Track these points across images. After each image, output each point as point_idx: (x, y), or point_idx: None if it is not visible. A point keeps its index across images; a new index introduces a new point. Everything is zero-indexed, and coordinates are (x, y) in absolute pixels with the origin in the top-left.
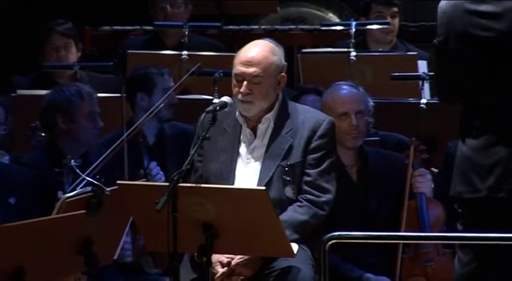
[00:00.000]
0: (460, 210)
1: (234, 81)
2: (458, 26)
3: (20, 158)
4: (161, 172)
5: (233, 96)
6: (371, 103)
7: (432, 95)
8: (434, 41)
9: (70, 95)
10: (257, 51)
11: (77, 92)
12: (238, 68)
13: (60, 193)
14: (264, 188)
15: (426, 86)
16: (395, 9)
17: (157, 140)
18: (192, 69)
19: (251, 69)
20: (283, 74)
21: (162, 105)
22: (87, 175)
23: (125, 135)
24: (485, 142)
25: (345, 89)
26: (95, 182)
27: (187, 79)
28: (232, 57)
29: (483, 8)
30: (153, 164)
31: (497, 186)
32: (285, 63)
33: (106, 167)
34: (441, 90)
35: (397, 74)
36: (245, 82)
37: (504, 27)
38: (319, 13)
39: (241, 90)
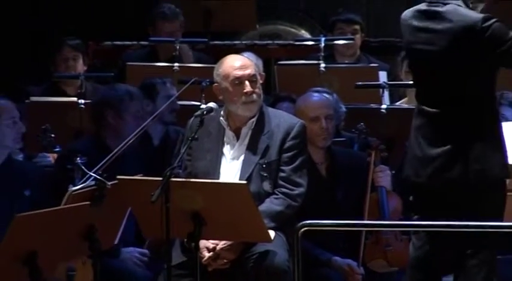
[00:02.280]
0: (411, 198)
1: (230, 88)
2: (408, 36)
3: (70, 145)
4: None
5: (228, 102)
6: (342, 108)
7: (391, 101)
8: None
9: (122, 94)
10: (242, 58)
11: (128, 92)
12: (235, 73)
13: (71, 186)
14: (245, 182)
15: (386, 93)
16: (356, 26)
17: (162, 142)
18: (191, 81)
19: (248, 71)
20: (262, 73)
21: (164, 110)
22: (94, 172)
23: (132, 136)
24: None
25: (315, 96)
26: (99, 177)
27: (180, 88)
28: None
29: (427, 24)
30: None
31: (435, 174)
32: (262, 71)
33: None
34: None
35: (360, 83)
36: (246, 82)
37: (444, 40)
38: (292, 30)
39: (246, 90)
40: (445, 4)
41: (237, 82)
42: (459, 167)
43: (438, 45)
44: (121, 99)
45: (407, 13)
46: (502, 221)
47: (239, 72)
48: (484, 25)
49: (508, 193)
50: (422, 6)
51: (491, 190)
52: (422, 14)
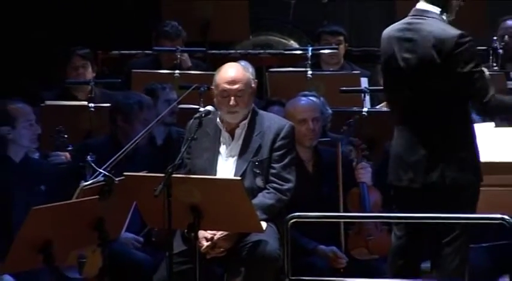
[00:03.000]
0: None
1: (219, 97)
2: (388, 49)
3: (88, 142)
4: None
5: (217, 108)
6: (329, 111)
7: (372, 105)
8: None
9: (133, 102)
10: (235, 71)
11: (139, 101)
12: (223, 86)
13: (82, 181)
14: (239, 178)
15: (367, 97)
16: (340, 37)
17: (164, 142)
18: (192, 87)
19: (235, 86)
20: (254, 86)
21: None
22: (104, 169)
23: (138, 137)
24: (409, 143)
25: (303, 100)
26: (107, 174)
27: (181, 93)
28: (214, 75)
29: (407, 35)
30: None
31: (415, 179)
32: (254, 77)
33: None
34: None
35: (344, 88)
36: (232, 97)
37: (421, 50)
38: (283, 40)
39: (230, 104)
40: (426, 18)
41: (224, 95)
42: (437, 172)
43: (416, 53)
44: (131, 107)
45: (390, 28)
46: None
47: (227, 86)
48: (457, 41)
49: (482, 188)
50: (405, 20)
51: (465, 192)
52: (406, 27)
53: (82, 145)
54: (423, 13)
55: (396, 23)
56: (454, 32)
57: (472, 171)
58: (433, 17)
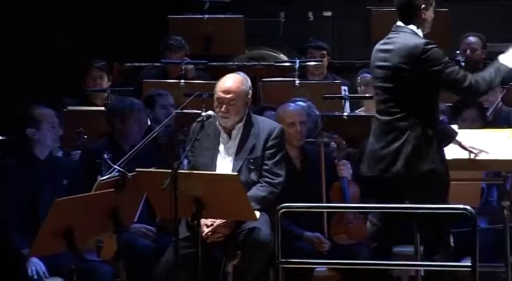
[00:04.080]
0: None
1: (215, 103)
2: (372, 59)
3: (90, 145)
4: None
5: (215, 111)
6: (316, 112)
7: (351, 110)
8: None
9: (125, 105)
10: (232, 82)
11: (130, 104)
12: (219, 94)
13: (99, 176)
14: (236, 174)
15: (347, 103)
16: (324, 51)
17: (164, 141)
18: (195, 94)
19: (228, 96)
20: (249, 96)
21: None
22: (118, 165)
23: (146, 139)
24: (381, 140)
25: (291, 105)
26: (122, 169)
27: (185, 99)
28: (215, 84)
29: (385, 47)
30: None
31: (385, 169)
32: (250, 89)
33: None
34: None
35: (327, 95)
36: (224, 105)
37: (395, 59)
38: (274, 54)
39: (222, 110)
40: (402, 33)
41: (219, 101)
42: (402, 163)
43: (391, 61)
44: (124, 110)
45: (377, 44)
46: (447, 203)
47: (221, 95)
48: (423, 48)
49: (458, 182)
50: (388, 35)
51: (429, 181)
52: (385, 41)
53: (86, 149)
54: (400, 29)
55: (382, 40)
56: (421, 41)
57: (433, 162)
58: (407, 32)
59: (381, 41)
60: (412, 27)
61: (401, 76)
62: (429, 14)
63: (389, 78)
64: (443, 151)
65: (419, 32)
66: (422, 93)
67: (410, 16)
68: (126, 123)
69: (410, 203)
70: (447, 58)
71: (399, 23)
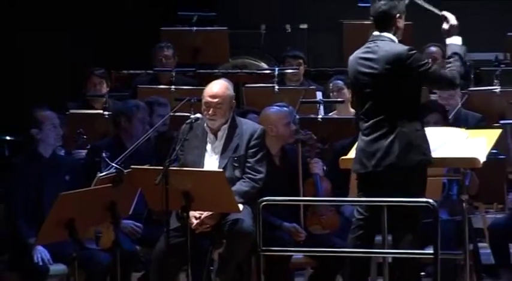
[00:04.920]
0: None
1: (203, 106)
2: (354, 67)
3: (98, 143)
4: None
5: (203, 114)
6: (297, 117)
7: (325, 113)
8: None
9: (131, 106)
10: (218, 88)
11: (135, 104)
12: (206, 99)
13: (98, 173)
14: (221, 170)
15: (321, 107)
16: (300, 60)
17: (157, 142)
18: (185, 100)
19: (215, 100)
20: (233, 101)
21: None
22: (116, 163)
23: (139, 140)
24: (370, 138)
25: (273, 109)
26: (118, 167)
27: (177, 104)
28: (202, 90)
29: (368, 55)
30: None
31: (378, 164)
32: (234, 94)
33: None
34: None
35: (303, 100)
36: (211, 108)
37: (380, 66)
38: (255, 62)
39: (209, 113)
40: (381, 41)
41: (206, 105)
42: (393, 155)
43: (377, 68)
44: (131, 109)
45: (355, 53)
46: (424, 195)
47: (209, 99)
48: (408, 53)
49: (430, 178)
50: (365, 45)
51: (413, 172)
52: (366, 50)
53: (93, 146)
54: (378, 38)
55: (359, 49)
56: (404, 47)
57: (420, 156)
58: (386, 40)
59: (361, 50)
60: (389, 35)
61: (388, 81)
62: (402, 23)
63: (375, 84)
64: (428, 142)
65: (395, 39)
66: (408, 94)
67: (387, 25)
68: (132, 123)
69: (402, 194)
70: (427, 59)
71: (376, 32)
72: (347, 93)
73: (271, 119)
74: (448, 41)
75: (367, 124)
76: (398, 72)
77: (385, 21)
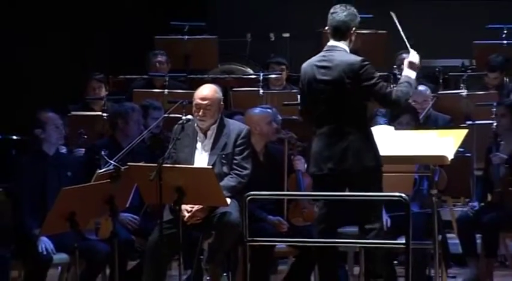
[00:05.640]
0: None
1: (194, 108)
2: (309, 74)
3: (94, 143)
4: None
5: (193, 115)
6: (279, 117)
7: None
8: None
9: (127, 108)
10: (207, 91)
11: (131, 107)
12: (197, 101)
13: (98, 170)
14: (210, 167)
15: None
16: (283, 66)
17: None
18: (179, 102)
19: (204, 102)
20: (221, 103)
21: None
22: (114, 161)
23: (135, 140)
24: (326, 143)
25: (256, 110)
26: (116, 164)
27: (171, 106)
28: (193, 93)
29: (324, 64)
30: None
31: (334, 168)
32: (222, 97)
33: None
34: (303, 116)
35: (286, 102)
36: (201, 110)
37: (335, 74)
38: (242, 68)
39: (199, 114)
40: (337, 51)
41: (197, 107)
42: (348, 161)
43: (332, 76)
44: (127, 111)
45: (310, 60)
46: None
47: (198, 101)
48: (361, 64)
49: (385, 174)
50: (321, 54)
51: (370, 174)
52: (322, 59)
53: (91, 145)
54: (334, 48)
55: (314, 57)
56: (358, 58)
57: (374, 160)
58: (341, 50)
59: (316, 59)
60: (344, 46)
61: (342, 88)
62: (354, 36)
63: (330, 91)
64: (377, 148)
65: (348, 50)
66: (358, 103)
67: (343, 35)
68: (128, 124)
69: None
70: (378, 74)
71: (332, 42)
72: None
73: (254, 119)
74: (405, 72)
75: (321, 130)
76: (351, 81)
77: (343, 32)
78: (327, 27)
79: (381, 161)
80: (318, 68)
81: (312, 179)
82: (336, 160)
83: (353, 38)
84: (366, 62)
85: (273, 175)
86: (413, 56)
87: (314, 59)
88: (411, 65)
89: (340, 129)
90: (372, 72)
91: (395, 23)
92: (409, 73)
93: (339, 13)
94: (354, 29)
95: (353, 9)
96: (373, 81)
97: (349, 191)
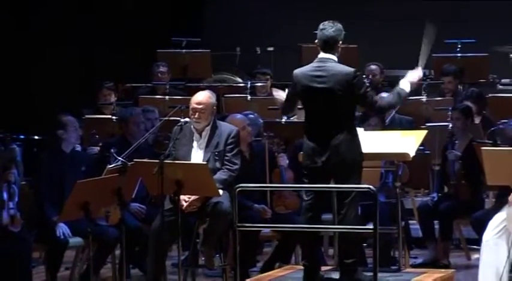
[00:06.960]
0: (305, 172)
1: (191, 111)
2: (304, 82)
3: (108, 141)
4: None
5: (190, 118)
6: (260, 121)
7: (287, 117)
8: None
9: (130, 112)
10: (202, 97)
11: (136, 111)
12: (193, 105)
13: (108, 165)
14: (205, 163)
15: None
16: (268, 76)
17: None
18: (178, 107)
19: (200, 106)
20: (215, 107)
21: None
22: (122, 157)
23: (140, 140)
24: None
25: (236, 116)
26: (123, 160)
27: (171, 110)
28: (190, 99)
29: (319, 73)
30: None
31: (327, 161)
32: (215, 102)
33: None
34: (285, 111)
35: (270, 107)
36: (197, 113)
37: (331, 82)
38: (232, 77)
39: (195, 117)
40: (329, 63)
41: (193, 110)
42: (338, 155)
43: (328, 84)
44: (138, 115)
45: (302, 69)
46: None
47: (194, 105)
48: (355, 74)
49: (364, 169)
50: (314, 64)
51: (354, 166)
52: (316, 69)
53: (105, 143)
54: (326, 60)
55: (307, 66)
56: (351, 69)
57: (358, 155)
58: (333, 62)
59: (309, 69)
60: (334, 57)
61: (335, 96)
62: (340, 48)
63: (325, 97)
64: (361, 145)
65: (337, 60)
66: (348, 108)
67: (332, 48)
68: (138, 125)
69: (339, 183)
70: (367, 84)
71: (323, 55)
72: None
73: (233, 124)
74: (402, 83)
75: (315, 128)
76: (344, 89)
77: (331, 45)
78: (316, 41)
79: (363, 156)
80: (314, 77)
81: (292, 173)
82: (329, 154)
83: (339, 50)
84: (358, 73)
85: (256, 170)
86: (417, 72)
87: (307, 69)
88: (412, 79)
89: (331, 131)
90: (362, 82)
91: (424, 41)
92: (405, 86)
93: (328, 29)
94: (340, 42)
95: (339, 25)
96: (363, 90)
97: (334, 181)
